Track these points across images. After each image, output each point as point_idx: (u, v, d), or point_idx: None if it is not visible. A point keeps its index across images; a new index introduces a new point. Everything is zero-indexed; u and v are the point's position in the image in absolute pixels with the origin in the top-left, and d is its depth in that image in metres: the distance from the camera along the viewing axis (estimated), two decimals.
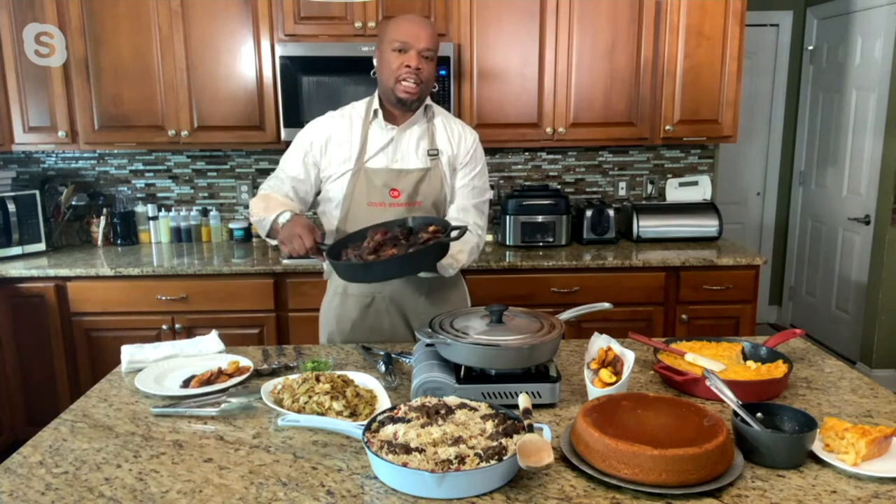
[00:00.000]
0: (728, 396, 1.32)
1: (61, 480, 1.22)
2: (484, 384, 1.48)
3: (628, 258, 3.15)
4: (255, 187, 3.68)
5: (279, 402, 1.48)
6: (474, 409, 1.31)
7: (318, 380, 1.50)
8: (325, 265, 2.03)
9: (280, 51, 3.12)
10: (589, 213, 3.42)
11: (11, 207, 3.18)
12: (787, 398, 1.53)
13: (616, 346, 1.57)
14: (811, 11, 4.74)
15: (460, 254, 1.92)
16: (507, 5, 3.20)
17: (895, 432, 1.27)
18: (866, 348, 4.19)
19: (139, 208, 3.61)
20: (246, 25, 3.17)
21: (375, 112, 1.95)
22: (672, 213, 3.53)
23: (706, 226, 3.48)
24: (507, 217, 3.40)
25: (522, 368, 1.50)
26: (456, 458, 1.14)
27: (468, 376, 1.50)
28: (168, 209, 3.64)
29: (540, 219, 3.37)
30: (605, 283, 3.10)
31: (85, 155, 3.64)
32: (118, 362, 1.79)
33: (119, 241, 3.54)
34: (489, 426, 1.24)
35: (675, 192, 3.68)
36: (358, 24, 3.16)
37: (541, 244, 3.39)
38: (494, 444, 1.17)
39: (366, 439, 1.21)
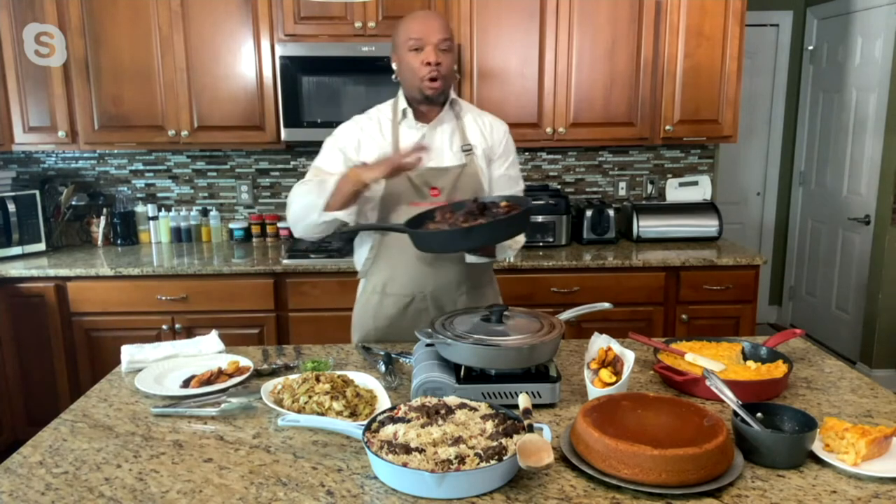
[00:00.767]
0: (728, 396, 1.32)
1: (61, 480, 1.22)
2: (484, 384, 1.48)
3: (628, 258, 3.15)
4: (255, 187, 3.68)
5: (279, 402, 1.48)
6: (474, 409, 1.31)
7: (318, 380, 1.50)
8: (364, 262, 2.01)
9: (280, 51, 3.12)
10: (589, 213, 3.42)
11: (11, 207, 3.18)
12: (787, 398, 1.53)
13: (616, 346, 1.57)
14: (811, 11, 4.74)
15: (515, 242, 1.96)
16: (507, 5, 3.20)
17: (895, 432, 1.27)
18: (866, 348, 4.19)
19: (139, 208, 3.61)
20: (246, 25, 3.17)
21: (405, 112, 1.93)
22: (672, 213, 3.53)
23: (706, 226, 3.48)
24: None
25: (522, 368, 1.50)
26: (456, 458, 1.14)
27: (468, 376, 1.50)
28: (168, 209, 3.64)
29: (540, 219, 3.37)
30: (605, 283, 3.10)
31: (85, 155, 3.64)
32: (118, 362, 1.79)
33: (119, 241, 3.54)
34: (489, 426, 1.24)
35: (675, 192, 3.68)
36: (358, 24, 3.16)
37: (541, 244, 3.39)
38: (494, 444, 1.17)
39: (366, 439, 1.21)
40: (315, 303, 3.08)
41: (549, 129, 3.30)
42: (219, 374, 1.65)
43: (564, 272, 3.11)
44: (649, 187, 3.78)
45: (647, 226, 3.47)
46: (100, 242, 3.54)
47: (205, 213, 3.67)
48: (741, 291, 3.15)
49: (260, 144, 3.32)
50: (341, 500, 1.14)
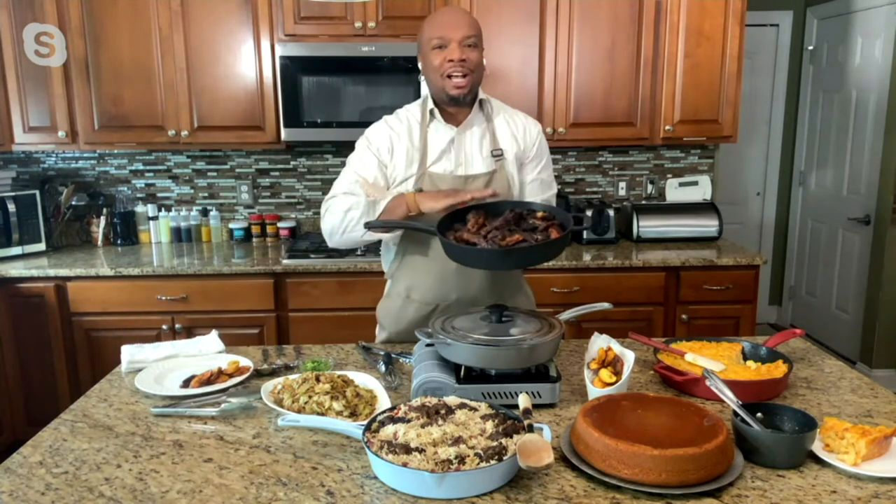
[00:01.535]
0: (728, 396, 1.32)
1: (61, 480, 1.22)
2: (484, 384, 1.48)
3: (628, 258, 3.15)
4: (255, 187, 3.68)
5: (279, 402, 1.48)
6: (474, 409, 1.31)
7: (318, 380, 1.50)
8: (390, 264, 1.97)
9: (280, 51, 3.12)
10: (589, 213, 3.42)
11: (11, 207, 3.18)
12: (787, 398, 1.53)
13: (616, 346, 1.57)
14: (811, 11, 4.74)
15: None
16: (507, 5, 3.20)
17: (895, 432, 1.27)
18: (866, 348, 4.19)
19: (139, 208, 3.61)
20: (246, 25, 3.17)
21: (432, 112, 1.86)
22: (672, 213, 3.53)
23: (706, 226, 3.48)
24: None
25: (522, 368, 1.50)
26: (456, 458, 1.14)
27: (468, 376, 1.50)
28: (168, 209, 3.64)
29: None
30: (605, 283, 3.10)
31: (85, 155, 3.64)
32: (118, 362, 1.79)
33: (119, 241, 3.54)
34: (489, 426, 1.24)
35: (675, 192, 3.68)
36: (358, 24, 3.16)
37: None
38: (494, 444, 1.17)
39: (366, 439, 1.21)
40: (315, 303, 3.08)
41: (549, 129, 3.30)
42: (219, 374, 1.65)
43: (564, 272, 3.11)
44: (649, 187, 3.78)
45: (647, 226, 3.47)
46: (100, 242, 3.54)
47: (205, 213, 3.67)
48: (741, 291, 3.15)
49: (260, 144, 3.32)
50: (341, 500, 1.14)
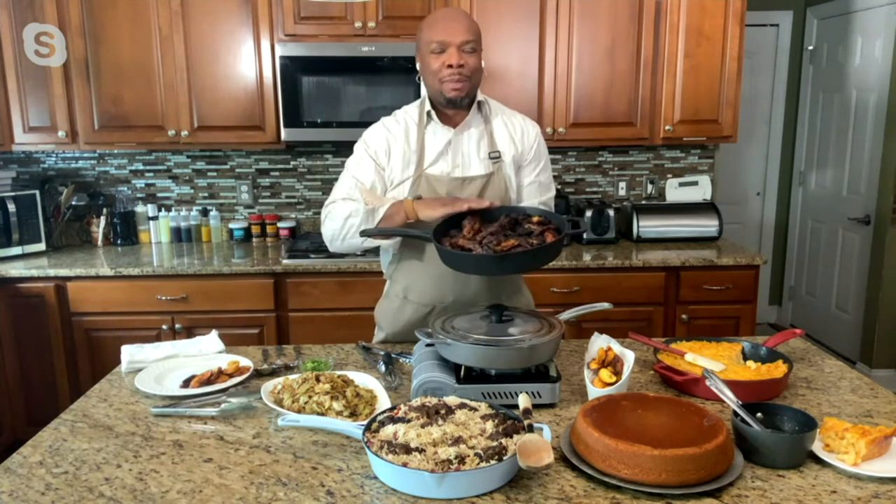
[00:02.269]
0: (728, 396, 1.33)
1: (61, 480, 1.22)
2: (484, 384, 1.48)
3: (628, 258, 3.15)
4: (255, 187, 3.68)
5: (279, 402, 1.48)
6: (474, 409, 1.31)
7: (318, 380, 1.50)
8: (388, 265, 1.98)
9: (280, 51, 3.12)
10: (589, 213, 3.42)
11: (11, 207, 3.18)
12: (787, 398, 1.53)
13: (616, 346, 1.57)
14: (811, 11, 4.74)
15: None
16: (507, 5, 3.20)
17: (895, 432, 1.27)
18: (866, 348, 4.19)
19: (139, 208, 3.61)
20: (246, 25, 3.17)
21: (429, 114, 1.86)
22: (672, 213, 3.53)
23: (706, 226, 3.48)
24: None
25: (522, 368, 1.50)
26: (456, 458, 1.14)
27: (468, 376, 1.50)
28: (168, 209, 3.64)
29: None
30: (605, 283, 3.10)
31: (85, 155, 3.64)
32: (118, 362, 1.79)
33: (119, 241, 3.54)
34: (489, 426, 1.24)
35: (675, 192, 3.68)
36: (358, 24, 3.16)
37: None
38: (494, 444, 1.17)
39: (366, 439, 1.21)
40: (315, 303, 3.08)
41: (548, 129, 3.30)
42: (219, 374, 1.65)
43: (564, 272, 3.11)
44: (649, 187, 3.78)
45: (647, 226, 3.47)
46: (100, 242, 3.54)
47: (205, 213, 3.67)
48: (741, 291, 3.15)
49: (260, 144, 3.32)
50: (341, 500, 1.14)
